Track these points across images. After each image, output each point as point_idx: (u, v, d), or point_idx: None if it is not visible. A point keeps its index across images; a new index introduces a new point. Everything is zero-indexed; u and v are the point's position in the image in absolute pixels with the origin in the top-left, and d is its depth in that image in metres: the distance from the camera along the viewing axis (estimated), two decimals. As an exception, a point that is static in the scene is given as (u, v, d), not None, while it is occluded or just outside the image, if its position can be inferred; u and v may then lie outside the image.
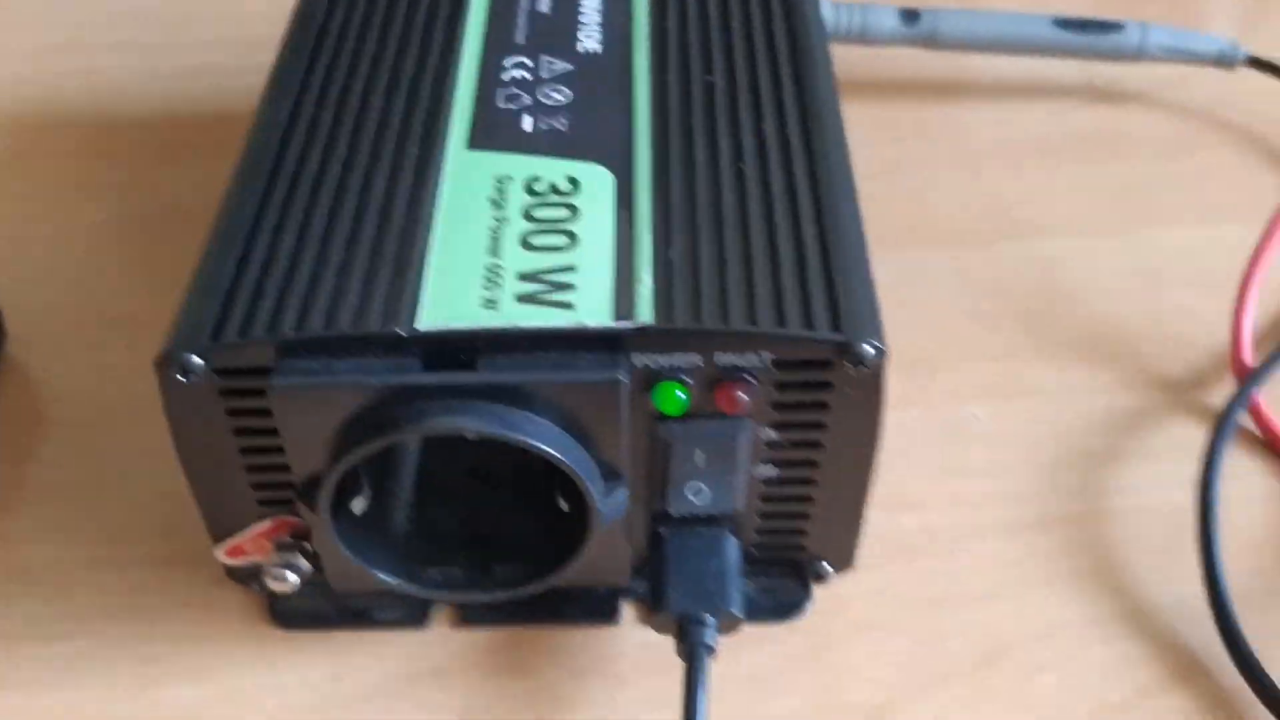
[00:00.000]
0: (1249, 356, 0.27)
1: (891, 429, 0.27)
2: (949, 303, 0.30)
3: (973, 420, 0.27)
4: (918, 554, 0.25)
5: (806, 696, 0.22)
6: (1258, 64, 0.35)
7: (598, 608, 0.24)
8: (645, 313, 0.19)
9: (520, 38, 0.26)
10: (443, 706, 0.22)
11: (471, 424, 0.19)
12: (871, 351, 0.19)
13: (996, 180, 0.34)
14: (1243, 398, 0.26)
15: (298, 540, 0.22)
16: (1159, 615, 0.24)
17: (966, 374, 0.28)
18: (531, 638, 0.23)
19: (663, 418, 0.20)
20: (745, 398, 0.20)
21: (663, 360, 0.20)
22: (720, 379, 0.20)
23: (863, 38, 0.34)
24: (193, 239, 0.22)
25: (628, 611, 0.24)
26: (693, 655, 0.21)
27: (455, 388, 0.19)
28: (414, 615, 0.24)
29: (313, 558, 0.22)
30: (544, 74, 0.25)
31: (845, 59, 0.36)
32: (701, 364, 0.20)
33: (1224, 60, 0.35)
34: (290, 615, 0.24)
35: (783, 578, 0.24)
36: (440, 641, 0.23)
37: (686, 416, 0.20)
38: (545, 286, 0.20)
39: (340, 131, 0.23)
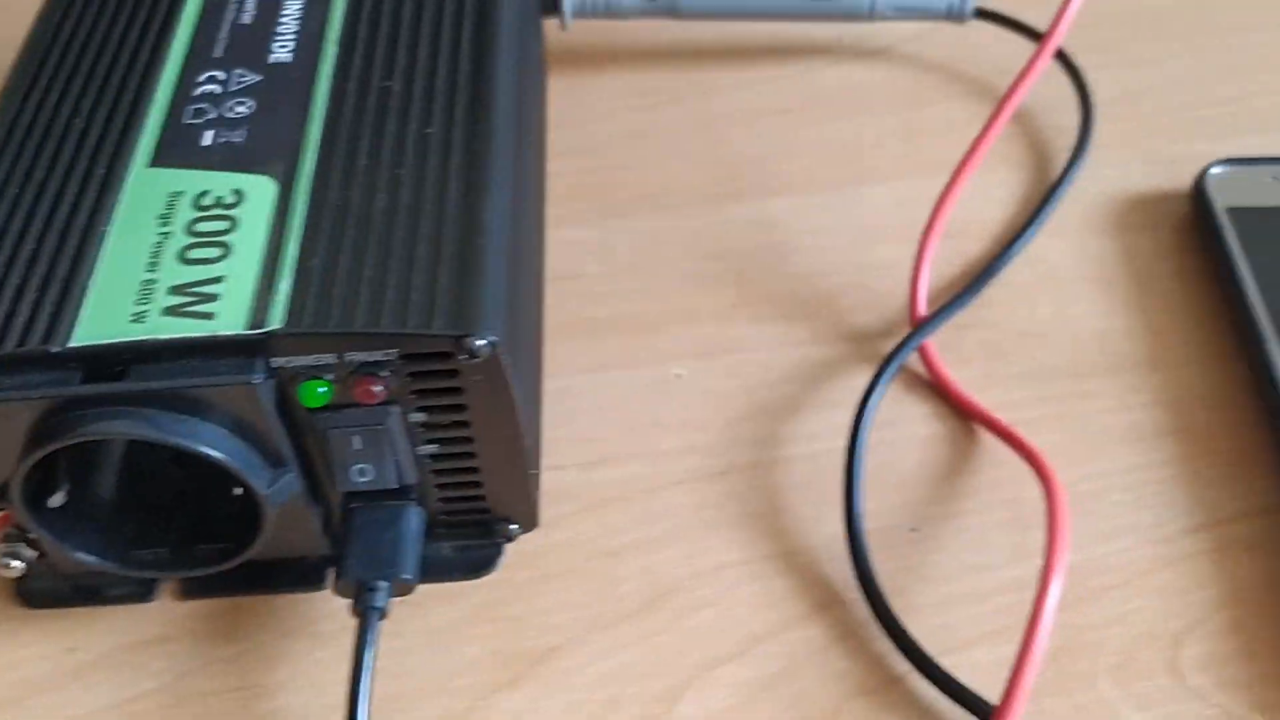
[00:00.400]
0: (923, 307, 0.30)
1: (600, 389, 0.30)
2: (674, 266, 0.32)
3: (675, 379, 0.30)
4: (610, 507, 0.27)
5: (484, 644, 0.25)
6: (986, 15, 0.37)
7: (306, 576, 0.26)
8: (277, 319, 0.22)
9: (219, 51, 0.28)
10: (164, 671, 0.25)
11: (124, 428, 0.21)
12: (484, 344, 0.22)
13: (737, 143, 0.36)
14: (906, 347, 0.29)
15: (21, 531, 0.25)
16: (809, 554, 0.26)
17: (679, 335, 0.31)
18: (249, 605, 0.26)
19: (312, 410, 0.23)
20: (379, 389, 0.22)
21: (299, 361, 0.22)
22: (355, 373, 0.22)
23: (609, 13, 0.36)
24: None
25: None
26: (363, 617, 0.23)
27: (111, 396, 0.22)
28: (140, 591, 0.26)
29: (37, 544, 0.25)
30: (232, 86, 0.27)
31: (598, 32, 0.38)
32: (335, 362, 0.22)
33: (954, 14, 0.36)
34: (32, 595, 0.26)
35: (477, 538, 0.27)
36: (165, 612, 0.26)
37: (333, 407, 0.23)
38: (192, 298, 0.22)
39: (45, 145, 0.25)
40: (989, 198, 0.34)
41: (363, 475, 0.24)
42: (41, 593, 0.26)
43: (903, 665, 0.24)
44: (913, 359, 0.29)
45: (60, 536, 0.24)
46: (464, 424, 0.24)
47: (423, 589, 0.25)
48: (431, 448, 0.24)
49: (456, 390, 0.23)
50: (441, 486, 0.25)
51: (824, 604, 0.25)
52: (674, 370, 0.30)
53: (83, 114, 0.26)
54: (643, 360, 0.30)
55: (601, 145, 0.36)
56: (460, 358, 0.22)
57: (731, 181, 0.34)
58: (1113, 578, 0.26)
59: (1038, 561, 0.25)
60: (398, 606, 0.24)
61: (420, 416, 0.23)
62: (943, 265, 0.32)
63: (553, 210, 0.34)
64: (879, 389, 0.28)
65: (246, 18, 0.28)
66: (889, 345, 0.30)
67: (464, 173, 0.24)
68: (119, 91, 0.27)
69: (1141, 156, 0.34)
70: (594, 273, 0.32)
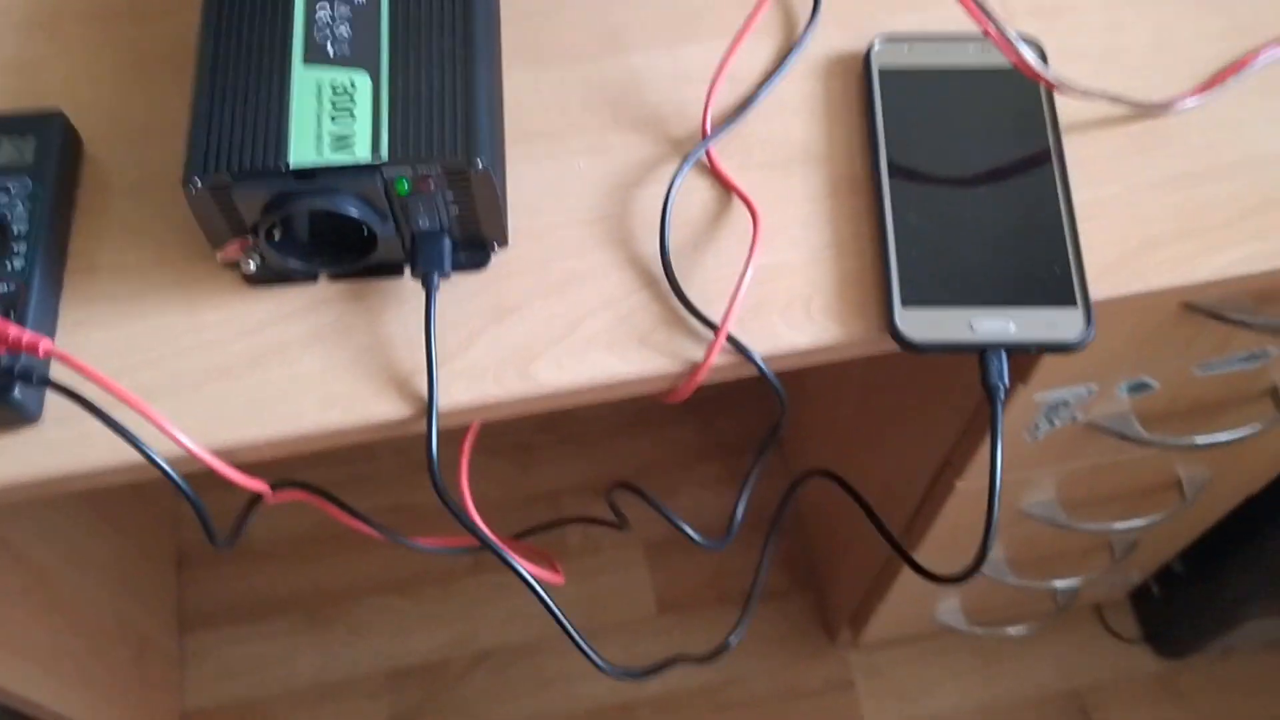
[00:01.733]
0: (709, 127, 0.55)
1: (534, 173, 0.55)
2: (576, 98, 0.57)
3: (579, 169, 0.55)
4: (543, 236, 0.53)
5: (482, 302, 0.52)
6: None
7: (397, 269, 0.52)
8: (383, 154, 0.47)
9: (326, -10, 0.51)
10: (327, 315, 0.51)
11: (319, 205, 0.47)
12: (480, 166, 0.47)
13: (619, 13, 0.59)
14: (696, 151, 0.54)
15: (254, 249, 0.50)
16: (646, 260, 0.53)
17: (575, 140, 0.56)
18: (373, 285, 0.52)
19: (400, 195, 0.48)
20: (432, 185, 0.48)
21: (392, 172, 0.47)
22: (419, 177, 0.47)
23: (537, -70, 0.58)
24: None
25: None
26: (428, 288, 0.50)
27: (312, 189, 0.47)
28: (311, 277, 0.52)
29: (263, 256, 0.51)
30: (337, 12, 0.50)
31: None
32: (410, 173, 0.47)
33: (750, -69, 0.59)
34: (255, 279, 0.52)
35: (479, 249, 0.53)
36: (326, 288, 0.52)
37: (411, 193, 0.48)
38: (342, 140, 0.47)
39: (244, 54, 0.49)
40: (757, 54, 0.58)
41: (424, 222, 0.50)
42: (262, 278, 0.52)
43: (682, 311, 0.51)
44: (704, 155, 0.55)
45: (280, 252, 0.50)
46: (471, 199, 0.49)
47: (453, 276, 0.52)
48: (456, 209, 0.50)
49: (467, 184, 0.48)
50: (461, 226, 0.51)
51: (649, 283, 0.52)
52: (578, 162, 0.55)
53: (258, 32, 0.50)
54: (558, 155, 0.55)
55: (532, 12, 0.59)
56: (469, 172, 0.47)
57: (608, 43, 0.58)
58: (785, 270, 0.53)
59: (758, 260, 0.52)
60: (443, 284, 0.51)
61: (450, 194, 0.49)
62: (727, 97, 0.57)
63: (505, 59, 0.58)
64: (683, 171, 0.54)
65: (339, -33, 0.51)
66: (690, 148, 0.55)
67: (464, 67, 0.49)
68: (273, 19, 0.50)
69: (852, 26, 0.59)
70: (529, 102, 0.57)
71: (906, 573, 1.02)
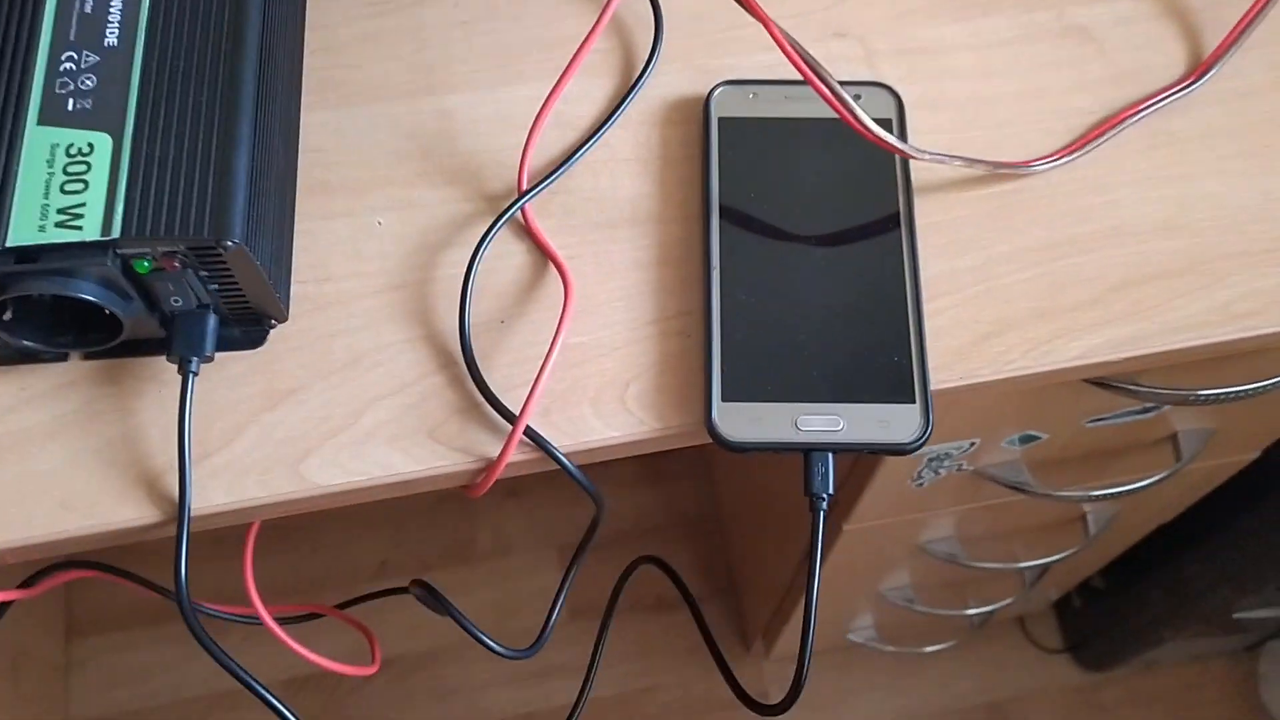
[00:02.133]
0: (525, 182, 0.49)
1: (329, 230, 0.49)
2: (382, 144, 0.51)
3: (377, 225, 0.49)
4: (331, 308, 0.47)
5: (257, 385, 0.46)
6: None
7: (155, 347, 0.46)
8: (116, 230, 0.40)
9: (72, 35, 0.44)
10: (75, 399, 0.46)
11: (41, 288, 0.41)
12: (231, 244, 0.41)
13: (434, 47, 0.53)
14: (510, 210, 0.48)
15: (-13, 327, 0.44)
16: (441, 337, 0.47)
17: (381, 194, 0.50)
18: (126, 363, 0.46)
19: (141, 274, 0.42)
20: (177, 264, 0.42)
21: (130, 250, 0.41)
22: (163, 255, 0.41)
23: (344, -51, 0.52)
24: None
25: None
26: (184, 376, 0.44)
27: (32, 272, 0.41)
28: (61, 356, 0.46)
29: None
30: (82, 65, 0.44)
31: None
32: (150, 250, 0.41)
33: (586, -47, 0.53)
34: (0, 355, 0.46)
35: (255, 325, 0.47)
36: (76, 368, 0.46)
37: (153, 271, 0.42)
38: (70, 216, 0.41)
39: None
40: (591, 96, 0.52)
41: (176, 302, 0.44)
42: (7, 351, 0.46)
43: (478, 397, 0.46)
44: (520, 213, 0.49)
45: (12, 334, 0.44)
46: (230, 277, 0.43)
47: (224, 355, 0.46)
48: (214, 286, 0.44)
49: (223, 262, 0.42)
50: (226, 303, 0.45)
51: (445, 364, 0.47)
52: (377, 219, 0.49)
53: (-11, 77, 0.43)
54: (357, 212, 0.49)
55: (339, 46, 0.53)
56: (219, 251, 0.41)
57: (423, 80, 0.52)
58: (601, 350, 0.47)
59: (567, 339, 0.46)
60: (206, 369, 0.45)
61: (205, 273, 0.43)
62: (551, 147, 0.51)
63: (307, 98, 0.51)
64: (490, 237, 0.48)
65: (87, 8, 0.45)
66: (509, 203, 0.49)
67: (222, 129, 0.43)
68: (11, 68, 0.43)
69: (698, 67, 0.53)
70: (330, 147, 0.51)
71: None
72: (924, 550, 0.86)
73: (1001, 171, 0.50)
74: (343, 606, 0.62)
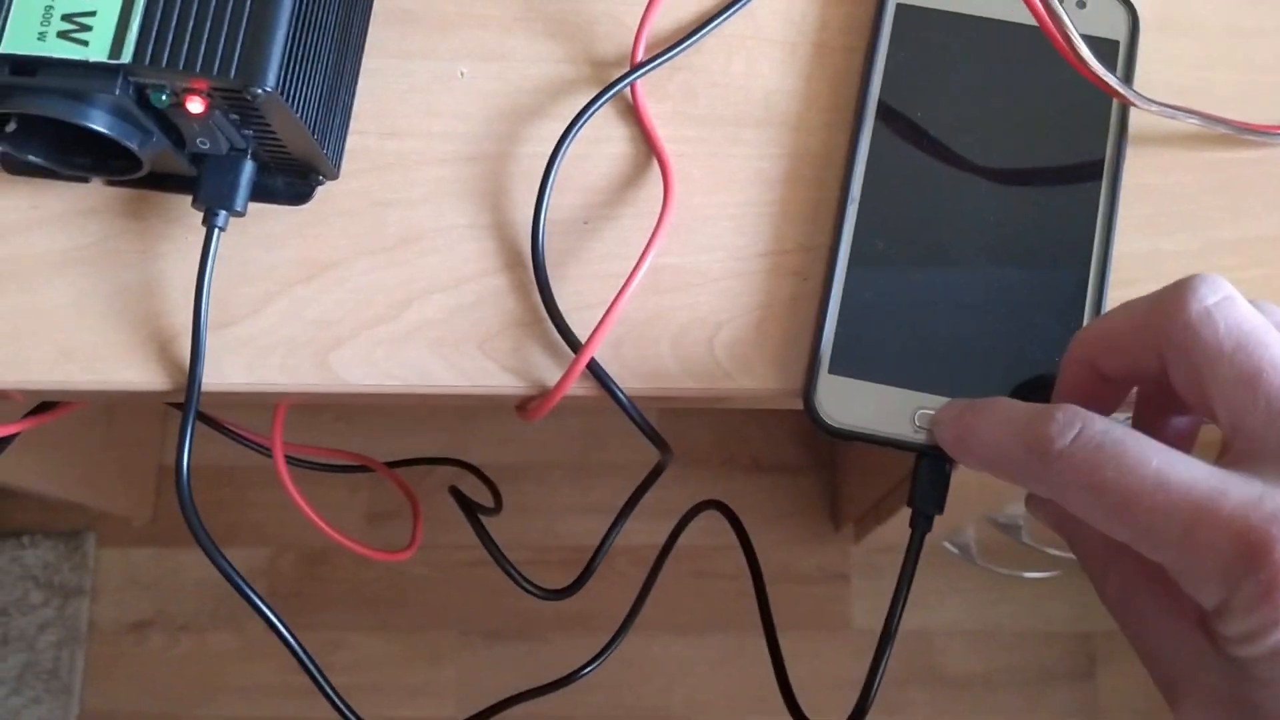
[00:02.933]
0: (641, 52, 0.40)
1: (403, 74, 0.41)
2: (482, -26, 0.42)
3: (459, 76, 0.41)
4: (391, 169, 0.40)
5: (294, 251, 0.39)
6: None
7: (184, 184, 0.40)
8: (128, 53, 0.33)
9: None
10: (95, 231, 0.40)
11: (38, 108, 0.34)
12: (261, 93, 0.33)
13: None
14: (617, 85, 0.39)
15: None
16: (513, 228, 0.39)
17: (469, 37, 0.41)
18: (152, 196, 0.40)
19: (160, 109, 0.35)
20: (198, 107, 0.34)
21: (144, 78, 0.34)
22: (183, 90, 0.34)
23: None
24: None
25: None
26: (209, 230, 0.37)
27: (27, 86, 0.34)
28: (81, 176, 0.40)
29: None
30: None
31: None
32: (170, 83, 0.34)
33: None
34: (12, 165, 0.40)
35: (300, 178, 0.40)
36: (98, 193, 0.40)
37: (173, 107, 0.35)
38: (75, 27, 0.34)
39: None
40: (744, -51, 0.42)
41: (203, 145, 0.37)
42: (17, 163, 0.40)
43: (543, 311, 0.38)
44: (629, 90, 0.40)
45: (14, 146, 0.37)
46: (266, 124, 0.36)
47: (264, 206, 0.39)
48: (249, 131, 0.37)
49: (254, 108, 0.35)
50: (267, 150, 0.38)
51: (511, 264, 0.39)
52: (460, 68, 0.41)
53: None
54: (439, 54, 0.41)
55: None
56: (247, 96, 0.34)
57: (548, -102, 0.42)
58: (697, 278, 0.39)
59: (658, 259, 0.38)
60: (249, 218, 0.38)
61: (236, 116, 0.36)
62: (682, 9, 0.41)
63: (403, -96, 0.42)
64: (588, 115, 0.39)
65: None
66: (613, 74, 0.40)
67: (272, -57, 0.34)
68: None
69: (886, -75, 0.42)
70: (420, -30, 0.42)
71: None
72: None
73: (1247, 137, 0.38)
74: (394, 466, 0.58)
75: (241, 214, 0.38)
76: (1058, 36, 0.34)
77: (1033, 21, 0.36)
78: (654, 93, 0.40)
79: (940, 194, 0.38)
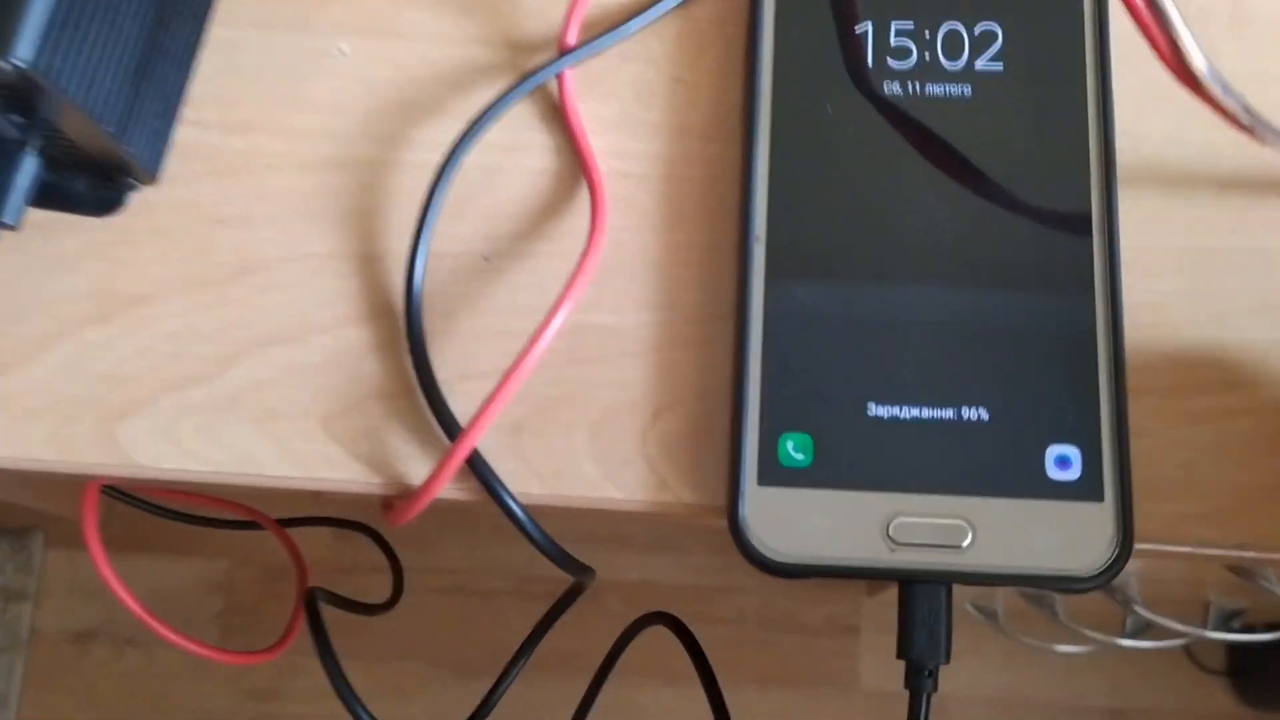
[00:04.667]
0: (573, 35, 0.29)
1: (264, 50, 0.30)
2: (378, -82, 0.31)
3: (338, 54, 0.30)
4: (233, 175, 0.29)
5: (90, 280, 0.29)
6: None
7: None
8: None
9: None
10: None
11: None
12: (8, 68, 0.23)
13: None
14: (537, 75, 0.28)
15: None
16: (383, 262, 0.29)
17: (355, 6, 0.30)
18: None
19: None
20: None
21: None
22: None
23: None
24: None
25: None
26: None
27: None
28: None
29: None
30: None
31: None
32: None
33: None
34: None
35: (106, 181, 0.29)
36: None
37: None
38: None
39: None
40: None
41: (-20, 132, 0.27)
42: None
43: (414, 379, 0.28)
44: (556, 82, 0.29)
45: None
46: (37, 109, 0.26)
47: (57, 216, 0.29)
48: (19, 119, 0.26)
49: (15, 87, 0.25)
50: (54, 146, 0.28)
51: (377, 312, 0.28)
52: (339, 45, 0.30)
53: None
54: (314, 26, 0.30)
55: None
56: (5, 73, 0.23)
57: None
58: (632, 345, 0.28)
59: (579, 315, 0.28)
60: (29, 229, 0.28)
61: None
62: (640, -23, 0.30)
63: None
64: (492, 113, 0.28)
65: None
66: (534, 62, 0.30)
67: None
68: None
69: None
70: (294, -88, 0.31)
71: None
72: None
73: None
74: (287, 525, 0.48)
75: (12, 226, 0.28)
76: (1157, 35, 0.23)
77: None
78: (592, 89, 0.30)
79: (874, 219, 0.27)
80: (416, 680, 1.09)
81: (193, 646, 0.39)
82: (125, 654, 1.10)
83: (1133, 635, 0.90)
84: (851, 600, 1.11)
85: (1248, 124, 0.24)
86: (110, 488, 0.43)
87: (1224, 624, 0.84)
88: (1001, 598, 0.93)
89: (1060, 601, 0.82)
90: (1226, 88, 0.23)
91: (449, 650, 1.09)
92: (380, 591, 0.48)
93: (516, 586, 1.08)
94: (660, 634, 0.39)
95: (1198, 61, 0.23)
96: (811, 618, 1.11)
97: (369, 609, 0.42)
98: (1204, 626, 0.82)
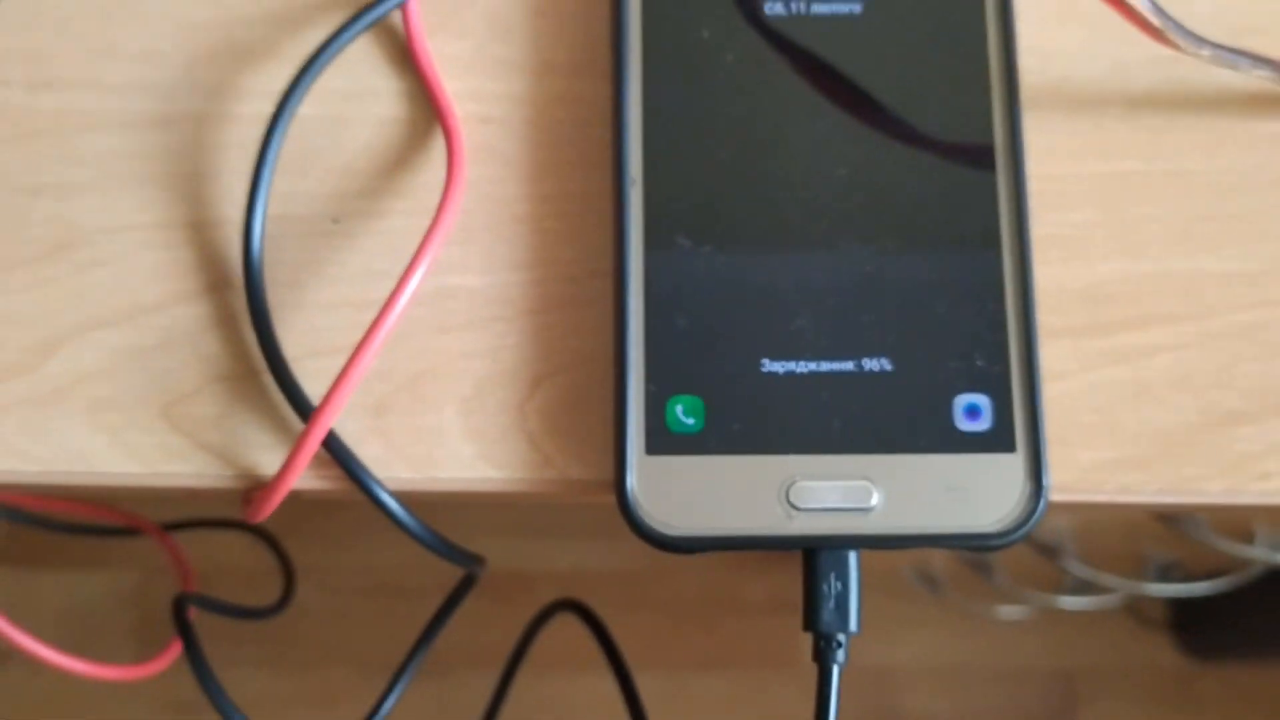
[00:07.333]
0: (420, -33, 0.26)
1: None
2: None
3: (154, -3, 0.27)
4: (41, 138, 0.26)
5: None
6: None
7: None
8: None
9: None
10: None
11: None
12: None
13: None
14: (380, 5, 0.25)
15: None
16: (218, 229, 0.26)
17: (176, -61, 0.27)
18: None
19: None
20: None
21: None
22: None
23: None
24: None
25: None
26: None
27: None
28: None
29: None
30: None
31: None
32: None
33: None
34: None
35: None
36: None
37: None
38: None
39: None
40: None
41: None
42: None
43: (259, 359, 0.25)
44: (402, 15, 0.26)
45: None
46: None
47: None
48: None
49: None
50: None
51: (215, 285, 0.25)
52: (151, -17, 0.27)
53: None
54: (130, -33, 0.27)
55: None
56: None
57: None
58: (504, 309, 0.25)
59: (441, 277, 0.25)
60: None
61: None
62: (495, -100, 0.27)
63: None
64: (327, 53, 0.25)
65: None
66: (382, -4, 0.27)
67: None
68: None
69: None
70: None
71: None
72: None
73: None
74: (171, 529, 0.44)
75: None
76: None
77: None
78: (444, 25, 0.27)
79: (759, 160, 0.25)
80: (347, 686, 1.06)
81: (65, 662, 0.36)
82: (41, 671, 1.06)
83: (1073, 594, 0.89)
84: (793, 574, 1.09)
85: (1158, 26, 0.22)
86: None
87: (1162, 576, 0.83)
88: (940, 564, 0.92)
89: (999, 564, 0.81)
90: (1133, -11, 0.21)
91: (377, 652, 1.06)
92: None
93: (446, 581, 1.06)
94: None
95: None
96: (753, 595, 1.09)
97: (254, 614, 0.38)
98: (1142, 580, 0.81)
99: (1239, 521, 0.64)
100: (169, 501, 0.40)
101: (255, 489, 0.25)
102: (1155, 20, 0.22)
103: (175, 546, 0.42)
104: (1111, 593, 0.82)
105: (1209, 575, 0.85)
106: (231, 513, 0.48)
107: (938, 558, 0.93)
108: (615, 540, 1.12)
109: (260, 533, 0.43)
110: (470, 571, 0.29)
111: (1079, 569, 0.75)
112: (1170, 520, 0.56)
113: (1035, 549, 0.70)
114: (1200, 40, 0.22)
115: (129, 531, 0.43)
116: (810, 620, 0.24)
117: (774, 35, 0.25)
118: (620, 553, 1.14)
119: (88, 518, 0.43)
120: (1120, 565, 0.85)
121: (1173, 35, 0.22)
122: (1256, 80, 0.24)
